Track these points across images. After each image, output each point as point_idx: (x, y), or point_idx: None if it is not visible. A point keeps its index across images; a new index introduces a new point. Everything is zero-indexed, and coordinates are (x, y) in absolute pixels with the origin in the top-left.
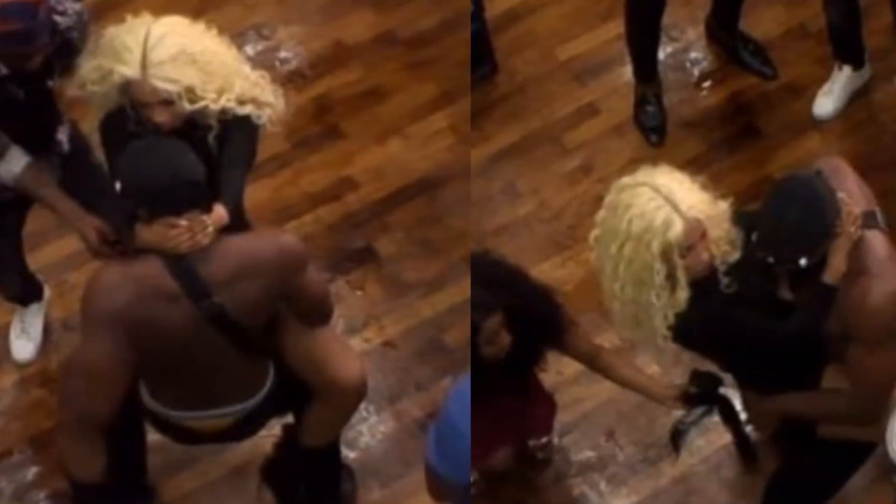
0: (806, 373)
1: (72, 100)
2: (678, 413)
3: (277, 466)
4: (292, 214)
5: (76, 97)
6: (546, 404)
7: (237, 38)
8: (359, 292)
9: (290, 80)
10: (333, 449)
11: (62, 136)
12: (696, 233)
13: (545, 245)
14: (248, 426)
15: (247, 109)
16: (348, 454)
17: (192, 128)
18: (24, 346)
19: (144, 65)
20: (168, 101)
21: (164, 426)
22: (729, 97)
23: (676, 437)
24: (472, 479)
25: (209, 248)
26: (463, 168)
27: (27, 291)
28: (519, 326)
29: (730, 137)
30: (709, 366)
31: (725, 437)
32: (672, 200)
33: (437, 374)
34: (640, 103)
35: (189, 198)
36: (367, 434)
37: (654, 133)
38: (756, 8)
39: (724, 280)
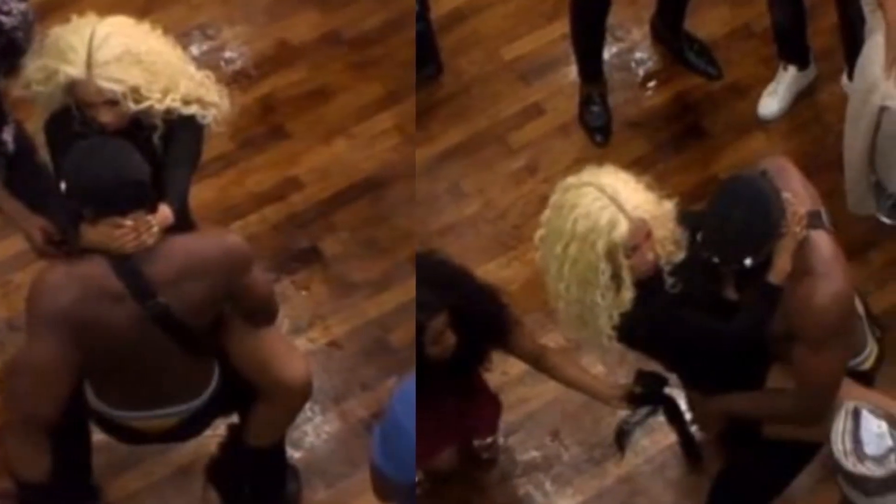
0: (751, 373)
1: (17, 100)
2: (623, 413)
3: (222, 466)
4: (237, 214)
5: (21, 97)
6: (491, 404)
7: (182, 38)
8: (304, 292)
9: (235, 80)
10: (278, 449)
11: (7, 136)
12: (641, 233)
13: (490, 245)
14: (193, 426)
15: (192, 109)
16: (293, 454)
17: (137, 128)
18: None
19: (89, 65)
20: (113, 101)
21: (109, 426)
22: (674, 97)
23: (621, 437)
24: (417, 479)
25: (154, 248)
26: (408, 168)
27: None
28: (464, 326)
29: (675, 137)
30: (654, 366)
31: (670, 437)
32: (617, 200)
33: (382, 373)
34: (585, 103)
35: (134, 198)
36: (312, 434)
37: (599, 133)
38: (701, 8)
39: (670, 280)
